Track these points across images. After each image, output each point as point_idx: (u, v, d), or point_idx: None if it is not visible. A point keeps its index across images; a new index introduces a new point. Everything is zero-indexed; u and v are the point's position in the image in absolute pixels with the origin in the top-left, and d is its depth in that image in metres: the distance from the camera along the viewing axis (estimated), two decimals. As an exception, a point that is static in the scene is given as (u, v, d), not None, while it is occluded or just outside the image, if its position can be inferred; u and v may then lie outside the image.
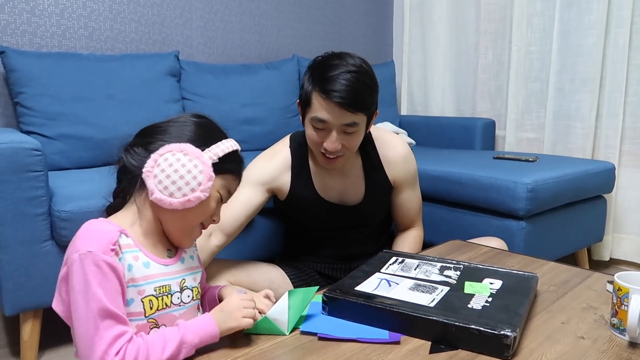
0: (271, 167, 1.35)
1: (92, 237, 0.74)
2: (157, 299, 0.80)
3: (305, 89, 1.21)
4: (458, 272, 1.05)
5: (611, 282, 1.00)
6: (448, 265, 1.09)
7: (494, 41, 2.67)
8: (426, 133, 2.71)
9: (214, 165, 0.82)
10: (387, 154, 1.40)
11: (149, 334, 0.78)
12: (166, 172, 0.78)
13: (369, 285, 0.97)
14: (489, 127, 2.58)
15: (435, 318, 0.83)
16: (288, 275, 1.43)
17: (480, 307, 0.87)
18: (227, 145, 0.84)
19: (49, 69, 1.91)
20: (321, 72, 1.18)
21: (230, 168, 0.85)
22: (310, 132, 1.23)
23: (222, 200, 0.87)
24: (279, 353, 0.80)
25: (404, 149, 1.43)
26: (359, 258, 1.44)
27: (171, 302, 0.82)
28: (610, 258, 2.29)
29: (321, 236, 1.44)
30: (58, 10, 2.09)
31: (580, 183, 1.88)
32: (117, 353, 0.70)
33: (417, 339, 0.84)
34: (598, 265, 2.26)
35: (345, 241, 1.44)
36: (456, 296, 0.93)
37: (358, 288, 0.96)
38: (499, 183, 1.72)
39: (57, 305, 0.76)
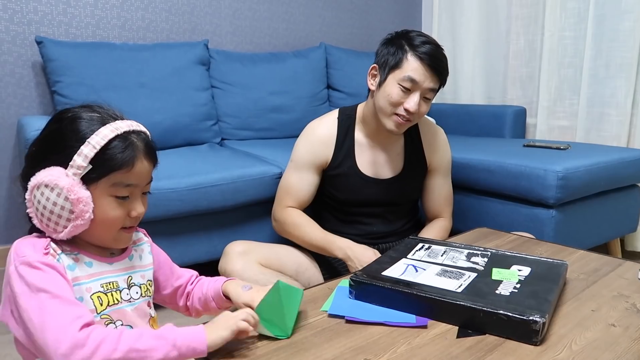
0: (314, 146, 1.45)
1: (22, 248, 0.72)
2: (106, 295, 0.77)
3: (396, 53, 1.32)
4: (485, 259, 1.05)
5: (644, 271, 0.99)
6: (475, 252, 1.09)
7: (526, 27, 2.61)
8: (455, 121, 2.68)
9: (88, 175, 0.72)
10: (429, 138, 1.51)
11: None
12: (39, 210, 0.73)
13: (396, 271, 0.98)
14: (520, 114, 2.53)
15: (463, 303, 0.84)
16: (316, 260, 1.46)
17: (508, 293, 0.88)
18: (92, 145, 0.72)
19: (84, 58, 1.97)
20: (412, 39, 1.32)
21: (111, 166, 0.73)
22: (394, 92, 1.31)
23: (128, 197, 0.77)
24: (308, 335, 0.82)
25: (444, 136, 1.55)
26: (386, 238, 1.47)
27: (121, 298, 0.80)
28: (645, 249, 2.24)
29: (351, 211, 1.47)
30: (92, 1, 2.14)
31: (614, 171, 1.83)
32: (81, 329, 0.66)
33: (444, 324, 0.85)
34: (631, 256, 2.21)
35: (374, 218, 1.48)
36: (484, 282, 0.93)
37: (385, 273, 0.97)
38: (529, 171, 1.70)
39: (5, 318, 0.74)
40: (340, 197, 1.47)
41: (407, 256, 1.07)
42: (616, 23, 2.20)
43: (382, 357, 0.75)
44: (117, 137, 0.74)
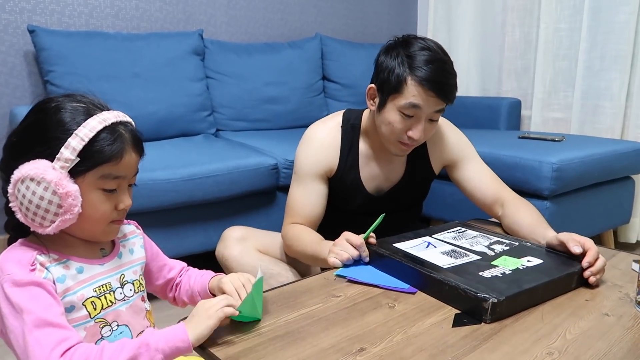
0: (317, 152, 1.32)
1: (7, 264, 0.70)
2: (99, 299, 0.77)
3: (396, 74, 1.16)
4: (506, 248, 1.04)
5: (637, 262, 1.00)
6: (502, 240, 1.09)
7: (522, 18, 2.61)
8: (449, 113, 2.60)
9: (75, 167, 0.70)
10: (433, 137, 1.37)
11: (101, 333, 0.76)
12: (24, 204, 0.70)
13: (408, 244, 1.05)
14: (515, 106, 2.54)
15: (435, 275, 0.90)
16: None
17: (489, 277, 0.89)
18: (80, 138, 0.70)
19: (78, 47, 1.95)
20: (412, 57, 1.16)
21: (99, 158, 0.71)
22: (395, 120, 1.19)
23: (115, 189, 0.75)
24: (304, 324, 0.82)
25: (450, 126, 1.44)
26: None
27: (115, 298, 0.79)
28: (637, 240, 2.26)
29: (346, 218, 1.43)
30: (85, -10, 2.12)
31: (608, 163, 1.84)
32: (63, 354, 0.65)
33: (441, 314, 0.85)
34: (624, 248, 2.23)
35: (369, 226, 1.43)
36: (476, 264, 0.95)
37: (396, 244, 1.05)
38: (524, 162, 1.71)
39: None
40: (343, 208, 1.40)
41: (434, 235, 1.11)
42: (611, 15, 2.21)
43: (378, 345, 0.75)
44: (105, 128, 0.72)
